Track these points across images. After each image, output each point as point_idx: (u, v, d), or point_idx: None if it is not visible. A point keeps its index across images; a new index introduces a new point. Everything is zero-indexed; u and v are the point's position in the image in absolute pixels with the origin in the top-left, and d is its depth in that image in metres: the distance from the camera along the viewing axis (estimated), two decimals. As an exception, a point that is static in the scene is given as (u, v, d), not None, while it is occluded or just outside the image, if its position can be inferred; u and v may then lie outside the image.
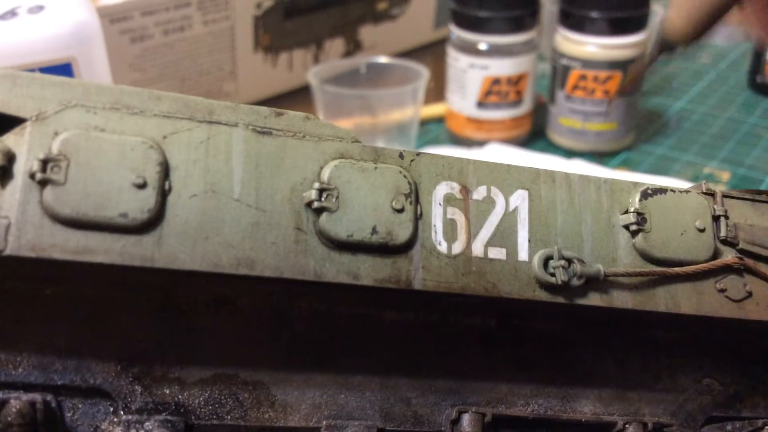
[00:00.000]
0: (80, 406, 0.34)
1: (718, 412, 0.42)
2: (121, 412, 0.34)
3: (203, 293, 0.35)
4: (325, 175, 0.34)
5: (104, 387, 0.34)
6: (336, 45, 1.07)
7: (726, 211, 0.39)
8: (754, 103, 1.03)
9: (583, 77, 0.87)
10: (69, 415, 0.33)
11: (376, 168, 0.35)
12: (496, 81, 0.88)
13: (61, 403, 0.33)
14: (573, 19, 0.87)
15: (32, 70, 0.36)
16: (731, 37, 1.21)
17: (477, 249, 0.36)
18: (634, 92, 0.87)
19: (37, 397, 0.32)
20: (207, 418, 0.35)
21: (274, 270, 0.32)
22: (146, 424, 0.33)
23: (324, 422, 0.36)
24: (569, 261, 0.36)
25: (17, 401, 0.31)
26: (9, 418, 0.31)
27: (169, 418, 0.34)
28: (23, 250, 0.30)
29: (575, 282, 0.36)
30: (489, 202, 0.36)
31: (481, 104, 0.90)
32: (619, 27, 0.85)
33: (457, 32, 0.89)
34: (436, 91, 1.00)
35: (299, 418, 0.36)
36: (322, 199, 0.33)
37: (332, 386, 0.36)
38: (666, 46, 0.35)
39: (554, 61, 0.90)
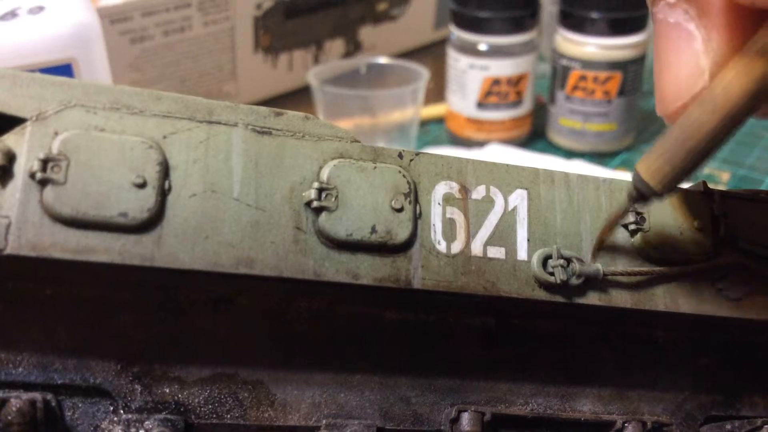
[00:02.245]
0: (80, 405, 0.34)
1: (717, 411, 0.42)
2: (121, 411, 0.34)
3: (203, 292, 0.35)
4: (325, 174, 0.34)
5: (104, 386, 0.34)
6: (336, 45, 1.07)
7: (725, 211, 0.39)
8: (754, 104, 1.03)
9: (583, 78, 0.87)
10: (69, 414, 0.33)
11: (375, 167, 0.35)
12: (496, 81, 0.88)
13: (61, 402, 0.33)
14: (573, 19, 0.87)
15: (32, 71, 0.36)
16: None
17: (476, 248, 0.36)
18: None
19: (37, 396, 0.32)
20: (207, 417, 0.35)
21: (273, 269, 0.33)
22: (146, 423, 0.33)
23: (324, 421, 0.36)
24: (568, 260, 0.36)
25: (17, 400, 0.31)
26: (9, 417, 0.31)
27: (168, 417, 0.34)
28: (23, 250, 0.30)
29: (574, 281, 0.36)
30: (488, 202, 0.37)
31: (481, 105, 0.90)
32: (619, 27, 0.85)
33: (457, 33, 0.89)
34: (436, 91, 1.00)
35: (299, 417, 0.36)
36: (322, 198, 0.34)
37: (332, 385, 0.37)
38: (640, 198, 0.35)
39: (554, 61, 0.90)
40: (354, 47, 1.09)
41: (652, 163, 0.33)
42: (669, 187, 0.33)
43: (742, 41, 0.31)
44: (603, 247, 0.37)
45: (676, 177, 0.33)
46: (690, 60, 0.32)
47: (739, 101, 0.31)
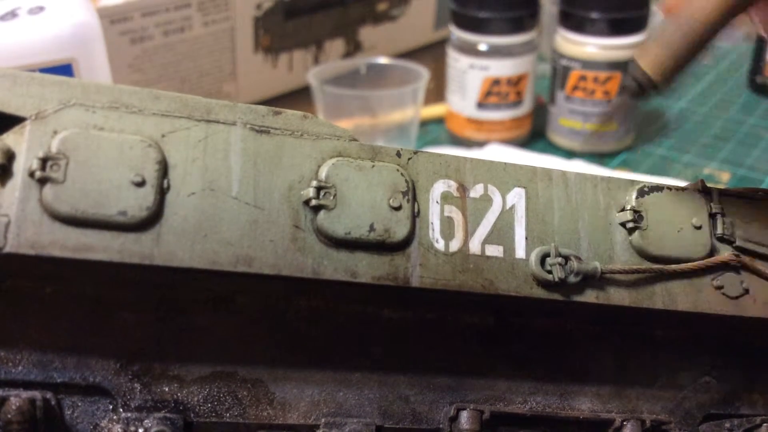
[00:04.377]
0: (80, 403, 0.34)
1: (716, 409, 0.42)
2: (121, 410, 0.34)
3: (202, 291, 0.35)
4: (323, 173, 0.34)
5: (104, 385, 0.34)
6: (336, 46, 1.07)
7: (722, 209, 0.39)
8: (754, 104, 1.03)
9: (582, 78, 0.87)
10: (68, 412, 0.34)
11: (373, 166, 0.35)
12: (496, 82, 0.88)
13: (61, 400, 0.33)
14: (573, 19, 0.87)
15: (32, 71, 0.36)
16: (731, 37, 1.21)
17: (474, 246, 0.36)
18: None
19: (36, 394, 0.32)
20: (206, 415, 0.35)
21: (272, 267, 0.33)
22: (145, 421, 0.33)
23: (323, 419, 0.36)
24: (566, 258, 0.36)
25: (17, 399, 0.32)
26: (9, 416, 0.31)
27: (168, 415, 0.34)
28: (23, 248, 0.30)
29: (572, 279, 0.36)
30: (486, 200, 0.37)
31: (481, 105, 0.90)
32: (619, 28, 0.85)
33: (457, 33, 0.89)
34: (436, 91, 1.00)
35: (298, 416, 0.36)
36: (320, 197, 0.34)
37: (331, 384, 0.37)
38: (639, 91, 0.34)
39: (554, 61, 0.90)
40: (354, 47, 1.09)
41: (651, 53, 0.33)
42: (668, 78, 0.33)
43: None
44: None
45: (675, 67, 0.33)
46: None
47: None
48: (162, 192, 0.32)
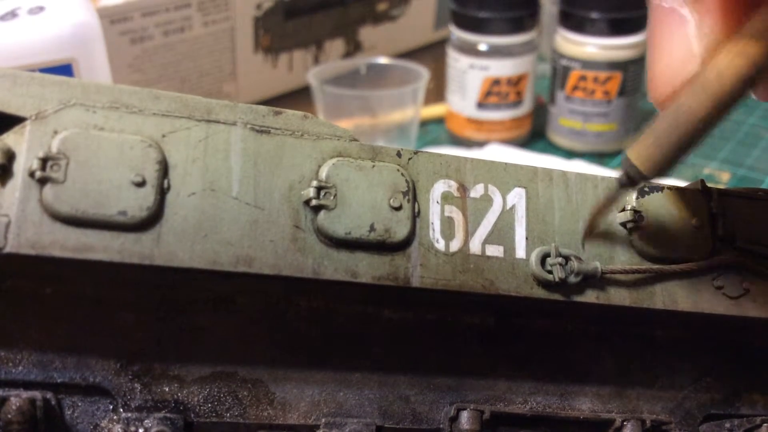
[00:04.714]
0: (80, 403, 0.34)
1: (716, 409, 0.42)
2: (121, 410, 0.34)
3: (202, 291, 0.35)
4: (323, 173, 0.34)
5: (104, 385, 0.34)
6: (336, 46, 1.07)
7: (723, 209, 0.39)
8: (754, 104, 1.03)
9: (582, 78, 0.87)
10: (69, 412, 0.34)
11: (373, 166, 0.35)
12: (496, 82, 0.88)
13: (61, 400, 0.33)
14: (573, 19, 0.87)
15: (32, 71, 0.36)
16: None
17: (474, 246, 0.36)
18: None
19: (36, 394, 0.32)
20: (206, 415, 0.35)
21: (272, 268, 0.33)
22: (145, 421, 0.33)
23: (323, 420, 0.36)
24: (566, 258, 0.36)
25: (17, 399, 0.32)
26: (9, 416, 0.31)
27: (168, 415, 0.34)
28: (23, 248, 0.30)
29: (572, 279, 0.36)
30: (486, 200, 0.37)
31: (481, 105, 0.90)
32: (618, 28, 0.85)
33: (457, 33, 0.89)
34: (436, 91, 1.00)
35: (298, 416, 0.36)
36: (320, 197, 0.34)
37: (331, 384, 0.37)
38: (630, 182, 0.35)
39: (554, 61, 0.90)
40: (354, 47, 1.09)
41: (642, 147, 0.33)
42: (657, 170, 0.33)
43: (735, 27, 0.31)
44: (593, 232, 0.37)
45: (666, 161, 0.33)
46: (682, 45, 0.32)
47: (732, 86, 0.31)
48: (162, 192, 0.32)
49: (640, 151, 0.33)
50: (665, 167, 0.33)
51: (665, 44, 0.33)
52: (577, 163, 0.86)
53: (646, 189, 0.39)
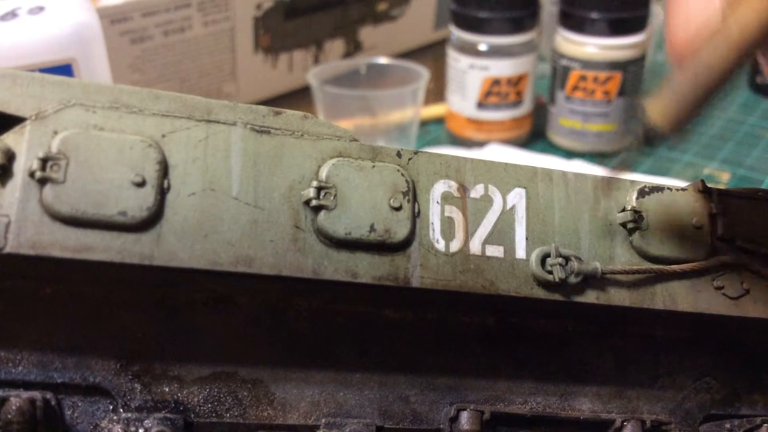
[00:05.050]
0: (80, 404, 0.34)
1: (716, 410, 0.42)
2: (121, 410, 0.34)
3: (202, 291, 0.35)
4: (323, 173, 0.34)
5: (104, 385, 0.34)
6: (336, 46, 1.07)
7: (723, 209, 0.39)
8: (754, 104, 1.03)
9: (582, 78, 0.87)
10: (69, 413, 0.34)
11: (374, 166, 0.35)
12: (496, 82, 0.88)
13: (61, 401, 0.33)
14: (573, 19, 0.87)
15: (32, 71, 0.36)
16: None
17: (475, 247, 0.36)
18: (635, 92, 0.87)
19: (36, 395, 0.32)
20: (206, 415, 0.35)
21: (272, 268, 0.33)
22: (145, 422, 0.33)
23: (323, 420, 0.36)
24: (566, 259, 0.36)
25: (17, 399, 0.32)
26: (9, 416, 0.31)
27: (168, 416, 0.34)
28: (23, 248, 0.30)
29: (572, 279, 0.36)
30: (486, 200, 0.37)
31: (481, 105, 0.90)
32: (619, 28, 0.85)
33: (457, 33, 0.89)
34: (436, 91, 1.00)
35: (298, 416, 0.36)
36: (320, 197, 0.34)
37: (331, 384, 0.37)
38: (647, 139, 0.34)
39: (554, 61, 0.90)
40: (354, 47, 1.09)
41: (661, 103, 0.33)
42: (677, 127, 0.33)
43: None
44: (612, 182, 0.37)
45: (686, 117, 0.33)
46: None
47: (756, 37, 0.30)
48: (162, 192, 0.32)
49: (659, 107, 0.33)
50: (685, 123, 0.33)
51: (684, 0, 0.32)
52: (577, 163, 0.86)
53: (647, 189, 0.39)
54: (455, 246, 0.36)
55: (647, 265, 0.38)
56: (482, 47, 0.88)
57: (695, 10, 0.32)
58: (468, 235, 0.36)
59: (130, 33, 0.83)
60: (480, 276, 0.35)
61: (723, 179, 0.86)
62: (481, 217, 0.36)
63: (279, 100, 1.01)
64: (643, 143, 0.34)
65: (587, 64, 0.87)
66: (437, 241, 0.35)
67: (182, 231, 0.32)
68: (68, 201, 0.30)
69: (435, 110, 0.98)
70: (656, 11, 0.92)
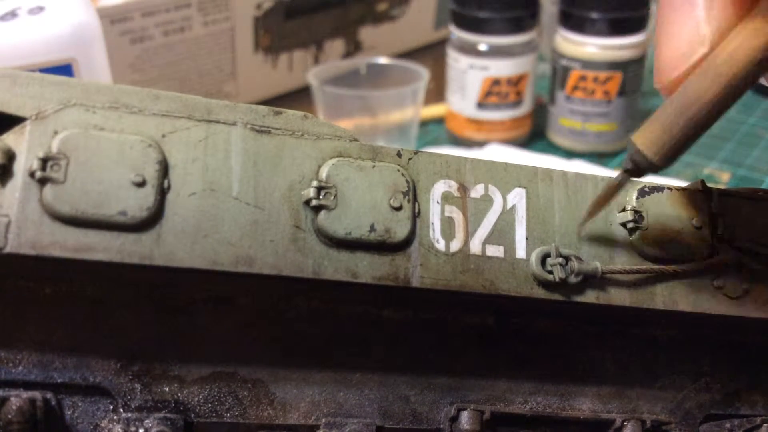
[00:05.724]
0: (80, 404, 0.34)
1: (716, 409, 0.42)
2: (121, 410, 0.34)
3: (202, 291, 0.35)
4: (324, 173, 0.34)
5: (104, 385, 0.34)
6: (336, 46, 1.07)
7: (723, 209, 0.39)
8: (754, 104, 1.03)
9: (582, 78, 0.87)
10: (69, 413, 0.34)
11: (374, 166, 0.35)
12: (496, 82, 0.88)
13: (61, 401, 0.33)
14: (573, 19, 0.87)
15: (32, 71, 0.36)
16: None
17: (475, 247, 0.36)
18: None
19: (36, 395, 0.32)
20: (206, 415, 0.35)
21: (272, 268, 0.33)
22: (146, 421, 0.33)
23: (323, 420, 0.36)
24: (567, 258, 0.36)
25: (17, 399, 0.32)
26: (9, 416, 0.31)
27: (168, 415, 0.34)
28: (23, 248, 0.30)
29: (573, 279, 0.36)
30: (487, 200, 0.37)
31: (481, 105, 0.90)
32: (618, 28, 0.85)
33: (457, 33, 0.89)
34: (436, 91, 1.00)
35: (298, 416, 0.36)
36: (321, 197, 0.34)
37: (331, 384, 0.37)
38: (637, 170, 0.34)
39: (554, 61, 0.90)
40: (354, 47, 1.09)
41: (649, 134, 0.33)
42: (666, 158, 0.33)
43: (745, 9, 0.30)
44: (590, 219, 0.36)
45: (675, 148, 0.32)
46: (691, 27, 0.31)
47: (744, 69, 0.30)
48: (162, 192, 0.32)
49: (647, 137, 0.33)
50: (674, 154, 0.32)
51: (673, 27, 0.32)
52: (577, 163, 0.86)
53: (646, 189, 0.39)
54: (455, 246, 0.36)
55: (647, 265, 0.38)
56: (482, 47, 0.88)
57: (684, 39, 0.32)
58: (468, 235, 0.36)
59: (130, 33, 0.83)
60: (480, 276, 0.35)
61: (723, 179, 0.86)
62: (481, 217, 0.36)
63: (279, 100, 1.01)
64: (632, 174, 0.34)
65: (587, 64, 0.87)
66: (437, 241, 0.35)
67: (182, 231, 0.32)
68: (68, 201, 0.30)
69: (435, 110, 0.98)
70: (656, 11, 0.92)
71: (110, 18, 0.81)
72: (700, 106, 0.31)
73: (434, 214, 0.36)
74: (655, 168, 0.33)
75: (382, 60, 0.97)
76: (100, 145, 0.31)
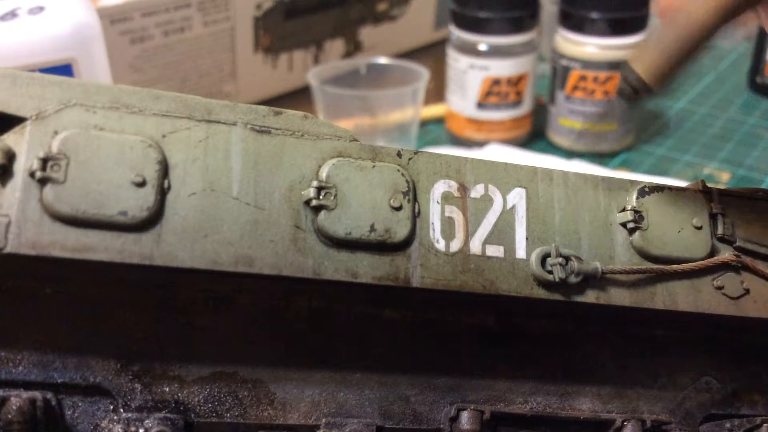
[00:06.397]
0: (80, 404, 0.34)
1: (716, 409, 0.42)
2: (121, 410, 0.34)
3: (202, 291, 0.35)
4: (324, 173, 0.34)
5: (104, 385, 0.34)
6: (336, 46, 1.07)
7: (723, 209, 0.39)
8: (754, 104, 1.03)
9: (582, 78, 0.87)
10: (69, 413, 0.34)
11: (374, 166, 0.35)
12: (496, 82, 0.88)
13: (61, 401, 0.33)
14: (573, 19, 0.87)
15: (32, 71, 0.36)
16: (731, 37, 1.21)
17: (475, 247, 0.36)
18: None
19: (37, 395, 0.32)
20: (206, 415, 0.35)
21: (272, 268, 0.33)
22: (146, 422, 0.33)
23: (323, 420, 0.36)
24: (567, 258, 0.36)
25: (17, 399, 0.32)
26: (9, 416, 0.31)
27: (168, 415, 0.34)
28: (23, 248, 0.30)
29: (573, 279, 0.36)
30: (486, 200, 0.37)
31: (481, 105, 0.90)
32: (618, 28, 0.85)
33: (457, 33, 0.89)
34: (436, 91, 1.00)
35: (298, 416, 0.36)
36: (321, 197, 0.34)
37: (331, 384, 0.37)
38: (633, 94, 0.34)
39: (554, 61, 0.90)
40: (354, 47, 1.09)
41: (646, 57, 0.33)
42: (663, 81, 0.33)
43: None
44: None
45: (671, 70, 0.32)
46: None
47: None
48: (162, 192, 0.32)
49: (643, 61, 0.33)
50: (669, 77, 0.33)
51: None
52: (577, 163, 0.86)
53: (646, 189, 0.39)
54: (455, 246, 0.36)
55: (647, 265, 0.38)
56: (482, 47, 0.88)
57: None
58: (468, 235, 0.36)
59: (130, 33, 0.83)
60: (480, 276, 0.35)
61: (723, 179, 0.86)
62: (481, 217, 0.36)
63: (279, 100, 1.01)
64: (628, 98, 0.34)
65: (587, 64, 0.86)
66: (437, 241, 0.35)
67: (182, 231, 0.32)
68: (68, 201, 0.30)
69: (435, 110, 0.98)
70: (655, 13, 0.92)
71: (110, 18, 0.81)
72: (698, 27, 0.31)
73: (434, 214, 0.36)
74: (650, 90, 0.33)
75: (382, 60, 0.96)
76: (101, 145, 0.31)
